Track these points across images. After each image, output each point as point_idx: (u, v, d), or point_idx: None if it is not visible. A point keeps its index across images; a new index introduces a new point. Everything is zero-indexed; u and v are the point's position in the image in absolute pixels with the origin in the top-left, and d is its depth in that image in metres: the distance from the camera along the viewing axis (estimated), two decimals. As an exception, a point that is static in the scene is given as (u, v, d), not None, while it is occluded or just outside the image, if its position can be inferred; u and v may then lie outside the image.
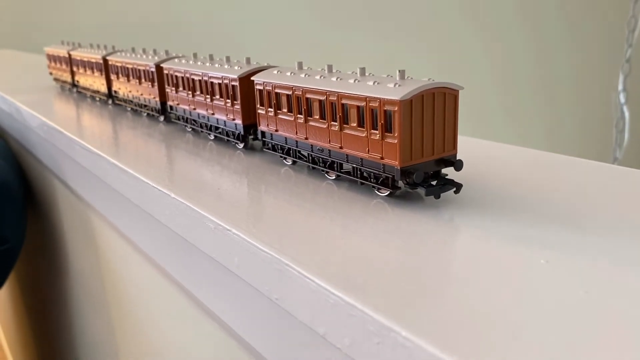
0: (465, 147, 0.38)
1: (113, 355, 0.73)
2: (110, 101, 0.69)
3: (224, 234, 0.30)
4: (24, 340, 1.44)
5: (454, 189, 0.31)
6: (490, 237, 0.27)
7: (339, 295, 0.22)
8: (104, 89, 0.68)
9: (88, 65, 0.71)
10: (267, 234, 0.29)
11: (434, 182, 0.32)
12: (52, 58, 0.85)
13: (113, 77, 0.65)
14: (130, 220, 0.50)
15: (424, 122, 0.30)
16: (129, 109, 0.64)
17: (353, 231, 0.29)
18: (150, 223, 0.42)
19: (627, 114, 1.73)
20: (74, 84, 0.79)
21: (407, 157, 0.30)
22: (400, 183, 0.31)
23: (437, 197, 0.31)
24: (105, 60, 0.66)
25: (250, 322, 0.33)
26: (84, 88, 0.76)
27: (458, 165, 0.32)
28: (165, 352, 0.53)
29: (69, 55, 0.77)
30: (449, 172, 0.33)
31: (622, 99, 1.71)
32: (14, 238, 0.86)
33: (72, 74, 0.79)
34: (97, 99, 0.73)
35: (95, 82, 0.70)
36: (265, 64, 0.44)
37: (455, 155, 0.32)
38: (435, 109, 0.31)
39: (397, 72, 0.32)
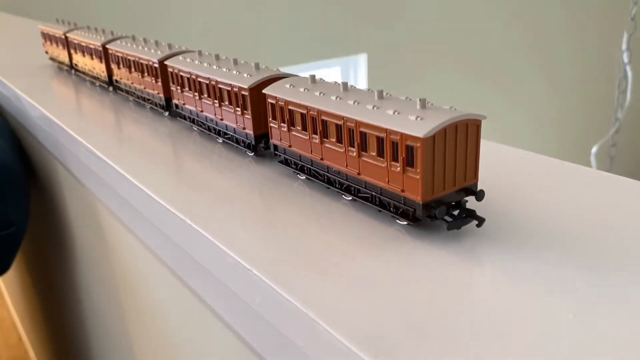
0: (487, 155, 0.37)
1: (123, 332, 0.74)
2: (111, 88, 0.67)
3: (244, 272, 0.30)
4: (34, 319, 1.46)
5: (477, 222, 0.31)
6: (512, 280, 0.27)
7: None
8: (104, 75, 0.66)
9: (87, 50, 0.69)
10: (289, 276, 0.28)
11: (455, 212, 0.31)
12: (48, 37, 0.83)
13: (114, 66, 0.63)
14: (139, 223, 0.50)
15: (446, 155, 0.30)
16: (131, 99, 0.63)
17: (376, 273, 0.28)
18: (163, 236, 0.42)
19: (630, 74, 1.71)
20: (72, 66, 0.77)
21: (429, 192, 0.30)
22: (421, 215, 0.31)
23: (459, 228, 0.31)
24: (105, 49, 0.64)
25: (266, 341, 0.33)
26: (83, 72, 0.74)
27: (479, 195, 0.31)
28: (174, 336, 0.54)
29: (66, 37, 0.75)
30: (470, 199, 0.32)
31: (625, 58, 1.69)
32: (18, 221, 0.85)
33: (70, 56, 0.76)
34: (97, 84, 0.71)
35: (94, 67, 0.68)
36: (275, 70, 0.43)
37: (476, 184, 0.32)
38: (457, 141, 0.30)
39: (418, 100, 0.31)
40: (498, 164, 0.40)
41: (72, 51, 0.75)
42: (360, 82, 3.03)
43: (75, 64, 0.75)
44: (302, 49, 2.76)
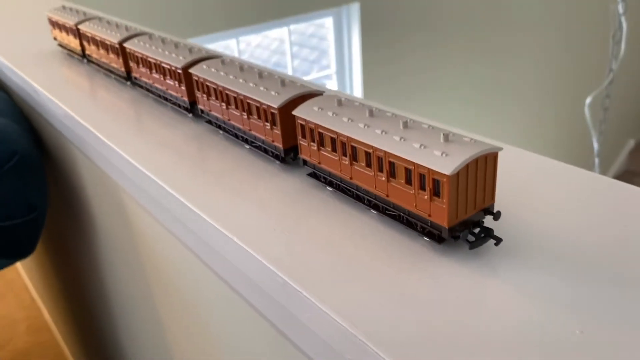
0: (506, 163, 0.41)
1: (151, 311, 0.79)
2: (128, 83, 0.70)
3: (294, 293, 0.34)
4: (55, 300, 1.51)
5: (495, 242, 0.35)
6: (525, 294, 0.31)
7: (413, 379, 0.27)
8: (122, 71, 0.68)
9: (102, 45, 0.71)
10: (335, 295, 0.33)
11: (476, 230, 0.35)
12: (57, 25, 0.84)
13: (132, 64, 0.65)
14: (171, 219, 0.54)
15: (468, 185, 0.34)
16: (152, 96, 0.65)
17: (405, 285, 0.33)
18: (205, 245, 0.46)
19: (625, 25, 1.72)
20: (84, 56, 0.79)
21: (454, 217, 0.34)
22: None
23: (479, 246, 0.35)
24: (122, 47, 0.66)
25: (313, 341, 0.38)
26: (98, 64, 0.76)
27: (497, 215, 0.36)
28: (207, 320, 0.59)
29: (78, 29, 0.76)
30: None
31: (620, 9, 1.69)
32: (40, 205, 0.89)
33: (82, 46, 0.78)
34: (113, 77, 0.73)
35: (111, 61, 0.70)
36: (299, 85, 0.46)
37: (493, 205, 0.36)
38: (477, 171, 0.34)
39: (442, 135, 0.34)
40: (513, 172, 0.44)
41: (85, 43, 0.76)
42: (354, 34, 3.00)
43: (89, 55, 0.77)
44: (291, 0, 2.72)
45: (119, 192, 0.69)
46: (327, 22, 3.23)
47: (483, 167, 0.34)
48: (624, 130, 5.08)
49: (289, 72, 3.22)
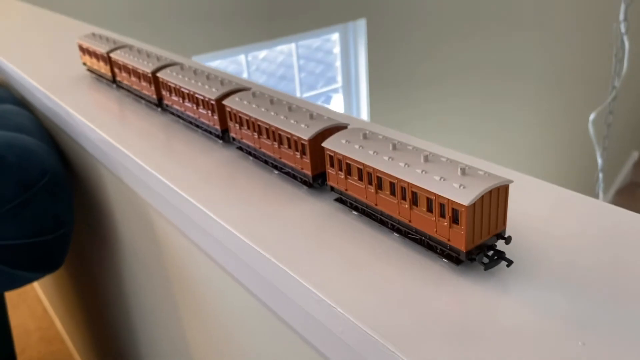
0: (518, 191, 0.45)
1: (176, 324, 0.84)
2: (159, 109, 0.74)
3: (329, 309, 0.39)
4: (70, 311, 1.55)
5: (507, 263, 0.39)
6: (533, 310, 0.36)
7: (439, 385, 0.31)
8: (153, 97, 0.73)
9: (134, 73, 0.76)
10: (364, 308, 0.37)
11: (490, 253, 0.40)
12: (87, 52, 0.89)
13: (165, 92, 0.70)
14: (200, 235, 0.58)
15: (483, 213, 0.38)
16: (182, 122, 0.70)
17: (427, 302, 0.37)
18: (238, 260, 0.51)
19: (627, 44, 1.77)
20: (115, 81, 0.84)
21: (471, 242, 0.38)
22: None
23: (492, 267, 0.40)
24: (155, 77, 0.70)
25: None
26: (128, 90, 0.81)
27: (508, 240, 0.40)
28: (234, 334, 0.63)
29: (109, 56, 0.81)
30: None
31: (622, 28, 1.74)
32: (69, 220, 0.94)
33: (113, 73, 0.83)
34: (143, 102, 0.78)
35: (142, 89, 0.75)
36: (326, 118, 0.51)
37: (505, 230, 0.40)
38: (491, 201, 0.38)
39: (459, 169, 0.39)
40: (523, 200, 0.48)
41: (117, 70, 0.81)
42: (360, 49, 3.06)
43: (119, 81, 0.82)
44: (298, 18, 2.78)
45: (146, 208, 0.73)
46: (334, 36, 3.29)
47: (496, 198, 0.38)
48: (628, 143, 5.12)
49: (296, 85, 3.27)
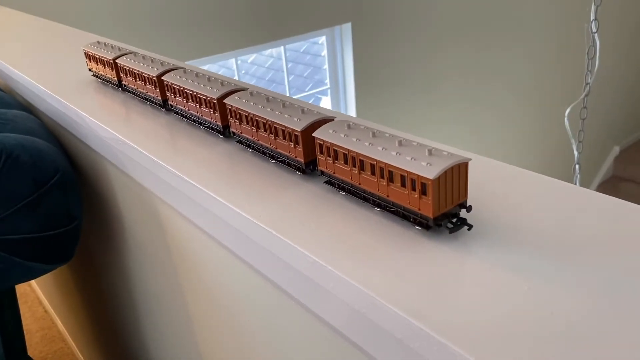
0: (479, 171, 0.53)
1: (184, 315, 0.91)
2: (163, 109, 0.82)
3: (322, 269, 0.46)
4: (73, 310, 1.62)
5: (468, 227, 0.47)
6: (490, 263, 0.44)
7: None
8: (158, 99, 0.81)
9: (139, 77, 0.83)
10: (353, 268, 0.45)
11: (454, 220, 0.48)
12: (93, 59, 0.96)
13: (169, 94, 0.78)
14: (207, 220, 0.66)
15: (446, 185, 0.46)
16: (185, 120, 0.78)
17: (403, 260, 0.45)
18: (240, 235, 0.58)
19: (597, 42, 1.87)
20: (120, 85, 0.92)
21: (437, 210, 0.46)
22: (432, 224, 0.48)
23: (456, 231, 0.48)
24: (160, 80, 0.78)
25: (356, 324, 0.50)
26: (133, 93, 0.88)
27: (469, 209, 0.48)
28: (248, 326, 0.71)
29: (116, 62, 0.89)
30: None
31: (594, 28, 1.84)
32: (78, 214, 1.01)
33: (119, 77, 0.90)
34: (148, 104, 0.86)
35: (147, 91, 0.83)
36: (315, 112, 0.59)
37: (466, 201, 0.48)
38: (453, 175, 0.46)
39: (427, 150, 0.47)
40: (486, 179, 0.56)
41: (123, 75, 0.89)
42: (347, 52, 3.14)
43: (125, 84, 0.90)
44: (287, 22, 2.86)
45: (152, 199, 0.81)
46: (321, 40, 3.37)
47: (457, 173, 0.47)
48: (609, 138, 5.25)
49: (286, 87, 3.35)
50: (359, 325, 0.45)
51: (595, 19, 1.83)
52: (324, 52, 3.42)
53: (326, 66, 3.44)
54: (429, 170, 0.45)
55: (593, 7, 1.82)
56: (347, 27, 3.11)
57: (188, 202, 0.67)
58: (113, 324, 1.37)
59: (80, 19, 2.29)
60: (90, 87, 0.99)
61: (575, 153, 1.98)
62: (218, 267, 0.71)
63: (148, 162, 0.71)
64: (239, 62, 3.29)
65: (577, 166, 2.01)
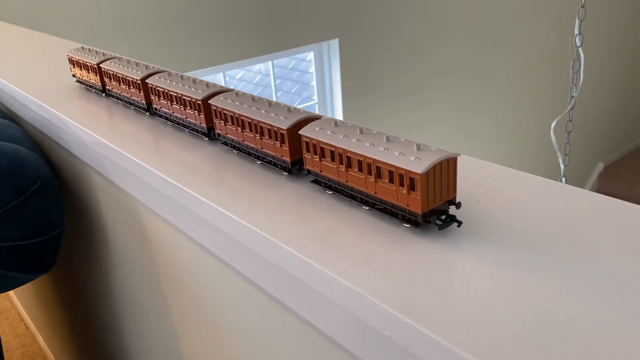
0: (468, 170, 0.52)
1: (166, 320, 0.89)
2: (147, 113, 0.81)
3: (308, 267, 0.45)
4: (53, 324, 1.58)
5: (457, 224, 0.46)
6: (479, 259, 0.43)
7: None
8: (142, 102, 0.80)
9: (124, 81, 0.82)
10: (341, 266, 0.44)
11: (443, 217, 0.47)
12: (77, 64, 0.95)
13: (153, 97, 0.76)
14: (191, 223, 0.64)
15: (435, 181, 0.45)
16: (170, 124, 0.77)
17: (391, 258, 0.44)
18: (227, 238, 0.57)
19: (582, 56, 1.88)
20: (104, 90, 0.90)
21: (426, 206, 0.45)
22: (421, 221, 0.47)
23: (445, 228, 0.47)
24: (144, 83, 0.77)
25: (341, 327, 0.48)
26: (117, 98, 0.87)
27: (458, 205, 0.47)
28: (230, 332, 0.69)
29: (99, 67, 0.87)
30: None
31: (578, 42, 1.86)
32: (60, 222, 0.99)
33: (103, 82, 0.89)
34: (132, 108, 0.84)
35: (132, 95, 0.82)
36: (301, 111, 0.58)
37: (455, 197, 0.47)
38: (442, 170, 0.45)
39: (415, 145, 0.46)
40: (475, 177, 0.56)
41: (107, 79, 0.87)
42: (334, 68, 3.15)
43: (109, 89, 0.88)
44: (276, 38, 2.87)
45: (135, 204, 0.79)
46: (309, 57, 3.39)
47: (446, 168, 0.46)
48: (594, 155, 5.30)
49: (273, 103, 3.34)
50: (347, 326, 0.44)
51: (580, 33, 1.86)
52: (312, 69, 3.43)
53: (314, 82, 3.45)
54: (417, 165, 0.44)
55: (577, 22, 1.84)
56: (334, 43, 3.12)
57: (171, 206, 0.65)
58: (95, 337, 1.34)
59: (60, 31, 2.27)
60: (73, 93, 0.97)
61: (562, 166, 1.99)
62: (203, 274, 0.69)
63: (130, 164, 0.70)
64: (227, 78, 3.29)
65: (563, 179, 2.01)
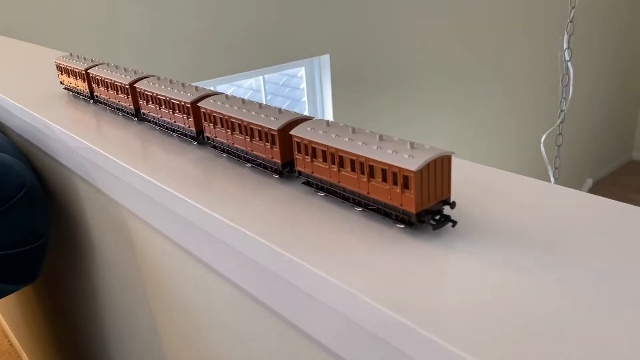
0: (463, 172, 0.51)
1: (150, 326, 0.86)
2: (135, 118, 0.79)
3: (299, 268, 0.44)
4: (38, 338, 1.55)
5: (452, 224, 0.45)
6: (473, 259, 0.41)
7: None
8: (130, 108, 0.78)
9: (112, 86, 0.81)
10: (334, 267, 0.42)
11: (437, 217, 0.46)
12: (65, 71, 0.94)
13: (142, 102, 0.75)
14: (180, 230, 0.62)
15: (429, 179, 0.44)
16: (158, 129, 0.75)
17: (385, 260, 0.43)
18: (218, 244, 0.55)
19: (571, 70, 1.90)
20: (92, 96, 0.89)
21: (420, 205, 0.44)
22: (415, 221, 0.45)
23: (440, 228, 0.46)
24: (133, 88, 0.76)
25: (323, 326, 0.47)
26: (105, 104, 0.85)
27: (452, 205, 0.46)
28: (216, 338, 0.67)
29: (87, 73, 0.86)
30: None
31: (567, 56, 1.87)
32: (45, 232, 0.97)
33: (91, 88, 0.88)
34: (120, 114, 0.83)
35: (120, 100, 0.80)
36: (292, 112, 0.57)
37: (450, 197, 0.46)
38: (436, 169, 0.44)
39: (408, 144, 0.45)
40: (468, 178, 0.55)
41: (95, 85, 0.86)
42: (325, 83, 3.16)
43: (97, 95, 0.87)
44: (265, 53, 2.87)
45: (122, 212, 0.77)
46: (300, 73, 3.40)
47: (440, 167, 0.45)
48: (583, 171, 5.34)
49: (264, 118, 3.33)
50: (340, 329, 0.42)
51: (568, 47, 1.87)
52: (303, 85, 3.43)
53: (305, 98, 3.45)
54: (411, 162, 0.43)
55: (566, 36, 1.85)
56: (325, 59, 3.13)
57: (158, 212, 0.64)
58: (81, 349, 1.31)
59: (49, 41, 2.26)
60: (61, 100, 0.96)
61: (552, 179, 1.99)
62: (190, 281, 0.67)
63: (117, 169, 0.68)
64: (217, 92, 3.28)
65: (554, 193, 2.01)
